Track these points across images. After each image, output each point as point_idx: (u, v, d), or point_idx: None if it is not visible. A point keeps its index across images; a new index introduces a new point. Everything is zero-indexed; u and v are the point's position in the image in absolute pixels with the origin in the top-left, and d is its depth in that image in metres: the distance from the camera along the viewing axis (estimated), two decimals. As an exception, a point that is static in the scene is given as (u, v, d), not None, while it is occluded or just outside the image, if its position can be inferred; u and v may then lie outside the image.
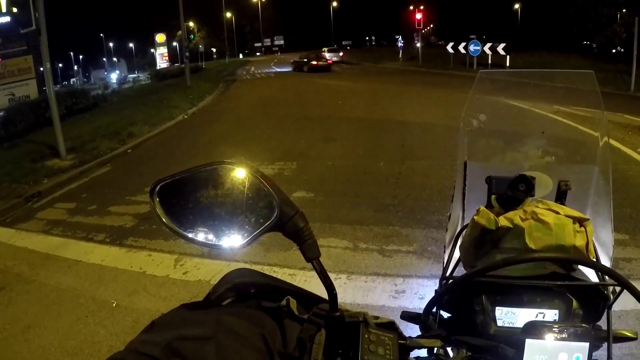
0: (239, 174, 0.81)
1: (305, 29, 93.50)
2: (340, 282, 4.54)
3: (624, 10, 38.33)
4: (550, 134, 1.72)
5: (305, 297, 0.90)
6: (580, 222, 1.17)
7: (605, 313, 1.09)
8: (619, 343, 1.07)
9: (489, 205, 1.40)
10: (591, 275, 1.19)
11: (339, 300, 0.82)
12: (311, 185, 7.63)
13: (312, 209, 6.52)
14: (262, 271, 0.95)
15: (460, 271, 1.33)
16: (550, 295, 1.10)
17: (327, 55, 44.17)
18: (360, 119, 13.87)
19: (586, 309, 1.10)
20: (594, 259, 1.23)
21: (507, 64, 30.52)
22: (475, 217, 1.21)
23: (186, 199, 0.82)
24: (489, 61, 31.18)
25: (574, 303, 1.09)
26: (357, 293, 4.36)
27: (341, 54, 51.40)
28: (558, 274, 1.11)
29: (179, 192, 0.82)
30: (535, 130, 1.67)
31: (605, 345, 1.02)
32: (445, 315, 1.17)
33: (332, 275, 4.01)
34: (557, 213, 1.18)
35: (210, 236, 0.81)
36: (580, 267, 1.18)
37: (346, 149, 10.31)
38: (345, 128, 12.55)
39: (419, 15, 40.08)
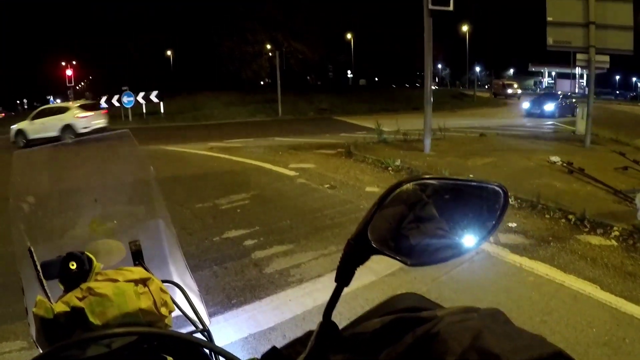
0: None
1: None
2: None
3: (268, 46, 43.20)
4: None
5: None
6: (143, 282, 1.15)
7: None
8: None
9: None
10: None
11: None
12: None
13: None
14: None
15: None
16: None
17: None
18: None
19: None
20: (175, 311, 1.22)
21: (162, 110, 31.45)
22: (34, 310, 1.09)
23: None
24: (144, 110, 31.63)
25: (169, 359, 1.06)
26: None
27: None
28: (147, 334, 1.07)
29: None
30: (93, 197, 1.61)
31: None
32: None
33: None
34: (117, 281, 1.13)
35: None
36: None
37: None
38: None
39: (69, 72, 38.19)
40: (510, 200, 7.34)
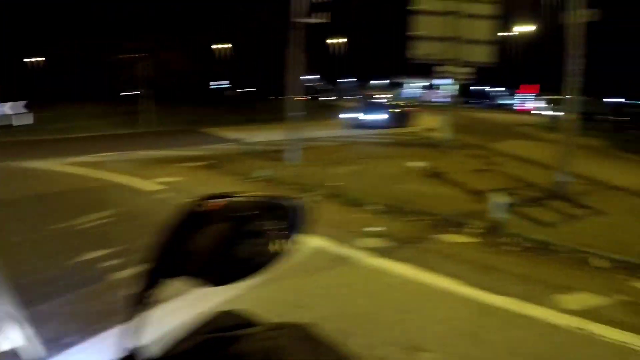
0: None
1: None
2: None
3: (137, 55, 41.61)
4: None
5: None
6: None
7: None
8: None
9: None
10: None
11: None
12: None
13: None
14: None
15: None
16: None
17: None
18: None
19: None
20: None
21: (32, 121, 29.78)
22: None
23: None
24: (12, 122, 29.62)
25: None
26: None
27: None
28: None
29: None
30: None
31: None
32: None
33: None
34: None
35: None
36: None
37: None
38: None
39: None
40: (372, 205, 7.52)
